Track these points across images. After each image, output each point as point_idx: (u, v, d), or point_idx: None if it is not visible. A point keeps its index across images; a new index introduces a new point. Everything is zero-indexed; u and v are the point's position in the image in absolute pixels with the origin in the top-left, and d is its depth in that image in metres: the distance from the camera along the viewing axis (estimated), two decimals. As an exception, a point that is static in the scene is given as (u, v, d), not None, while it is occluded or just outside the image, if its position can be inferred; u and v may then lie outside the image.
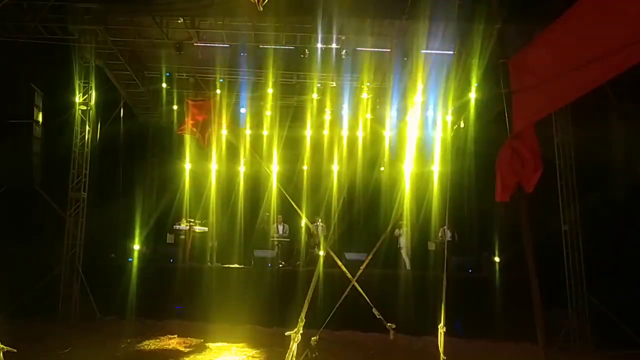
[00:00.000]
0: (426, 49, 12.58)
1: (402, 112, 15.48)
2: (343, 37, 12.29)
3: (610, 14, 3.20)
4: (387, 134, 16.05)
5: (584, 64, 3.31)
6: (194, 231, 14.34)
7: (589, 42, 3.34)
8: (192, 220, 14.70)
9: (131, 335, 10.25)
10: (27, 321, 10.60)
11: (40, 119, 12.06)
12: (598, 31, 3.28)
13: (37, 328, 10.43)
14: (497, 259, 12.34)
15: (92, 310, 11.54)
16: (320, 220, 14.72)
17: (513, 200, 4.01)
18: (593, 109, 10.74)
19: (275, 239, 14.52)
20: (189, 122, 14.60)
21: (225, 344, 10.05)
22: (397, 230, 14.22)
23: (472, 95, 14.09)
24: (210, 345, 9.93)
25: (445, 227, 14.07)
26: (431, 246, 14.24)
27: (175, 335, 10.47)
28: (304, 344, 9.39)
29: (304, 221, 14.73)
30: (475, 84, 13.70)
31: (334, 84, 14.90)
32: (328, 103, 15.57)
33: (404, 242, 14.23)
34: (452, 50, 12.35)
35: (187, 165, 15.88)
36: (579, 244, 11.56)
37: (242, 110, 15.53)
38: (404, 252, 14.07)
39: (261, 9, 7.21)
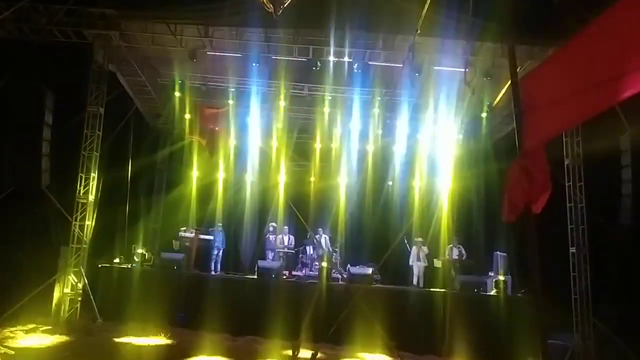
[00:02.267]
0: (438, 66, 12.58)
1: (412, 127, 15.46)
2: (355, 51, 12.30)
3: (623, 35, 3.16)
4: (397, 148, 16.04)
5: (596, 85, 3.27)
6: (199, 239, 14.32)
7: (602, 63, 3.31)
8: (198, 228, 14.70)
9: (130, 341, 10.21)
10: (28, 323, 10.60)
11: (50, 121, 12.12)
12: (611, 53, 3.25)
13: (38, 330, 10.40)
14: (502, 278, 12.21)
15: (93, 314, 11.50)
16: (322, 231, 14.62)
17: (520, 221, 3.95)
18: (604, 131, 10.68)
19: (281, 250, 14.46)
20: (200, 127, 14.72)
21: (225, 355, 9.96)
22: (422, 247, 13.98)
23: (483, 113, 14.11)
24: (210, 356, 9.84)
25: (452, 244, 13.96)
26: (437, 263, 14.12)
27: (175, 343, 10.40)
28: (305, 357, 9.33)
29: (309, 233, 14.70)
30: (487, 102, 13.71)
31: (345, 97, 14.90)
32: (338, 116, 15.59)
33: (423, 260, 13.97)
34: (463, 67, 12.32)
35: (195, 173, 15.93)
36: (586, 267, 11.43)
37: (252, 120, 15.52)
38: (418, 269, 13.87)
39: (276, 15, 7.18)
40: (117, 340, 10.16)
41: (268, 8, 7.14)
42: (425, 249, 13.95)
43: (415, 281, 13.74)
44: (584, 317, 11.23)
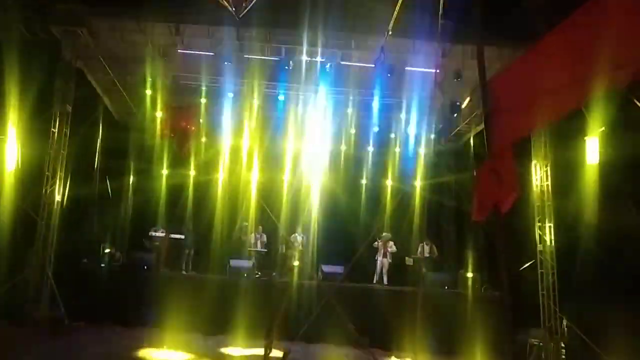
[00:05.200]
0: (409, 66, 12.68)
1: (385, 127, 15.56)
2: (328, 51, 12.32)
3: (589, 38, 3.24)
4: (370, 148, 16.17)
5: (562, 87, 3.35)
6: (169, 238, 14.14)
7: (568, 65, 3.38)
8: (169, 227, 14.52)
9: (98, 342, 10.04)
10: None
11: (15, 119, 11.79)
12: (577, 55, 3.33)
13: (3, 332, 10.14)
14: (470, 275, 12.42)
15: (60, 315, 11.25)
16: (299, 231, 14.63)
17: (490, 220, 4.02)
18: (570, 132, 10.92)
19: (253, 249, 14.39)
20: (171, 125, 14.53)
21: (195, 354, 9.88)
22: (389, 244, 14.08)
23: (454, 114, 14.28)
24: (179, 356, 9.75)
25: (423, 242, 14.11)
26: (409, 261, 14.25)
27: (144, 344, 10.26)
28: (277, 355, 9.31)
29: (281, 232, 14.68)
30: (457, 103, 13.88)
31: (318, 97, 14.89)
32: (311, 115, 15.56)
33: (389, 257, 14.08)
34: (434, 68, 12.45)
35: (165, 172, 15.75)
36: (553, 264, 11.68)
37: (224, 118, 15.38)
38: (381, 266, 13.98)
39: (238, 17, 7.15)
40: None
41: (230, 8, 7.09)
42: (392, 245, 14.07)
43: (375, 278, 13.82)
44: (551, 313, 11.48)
